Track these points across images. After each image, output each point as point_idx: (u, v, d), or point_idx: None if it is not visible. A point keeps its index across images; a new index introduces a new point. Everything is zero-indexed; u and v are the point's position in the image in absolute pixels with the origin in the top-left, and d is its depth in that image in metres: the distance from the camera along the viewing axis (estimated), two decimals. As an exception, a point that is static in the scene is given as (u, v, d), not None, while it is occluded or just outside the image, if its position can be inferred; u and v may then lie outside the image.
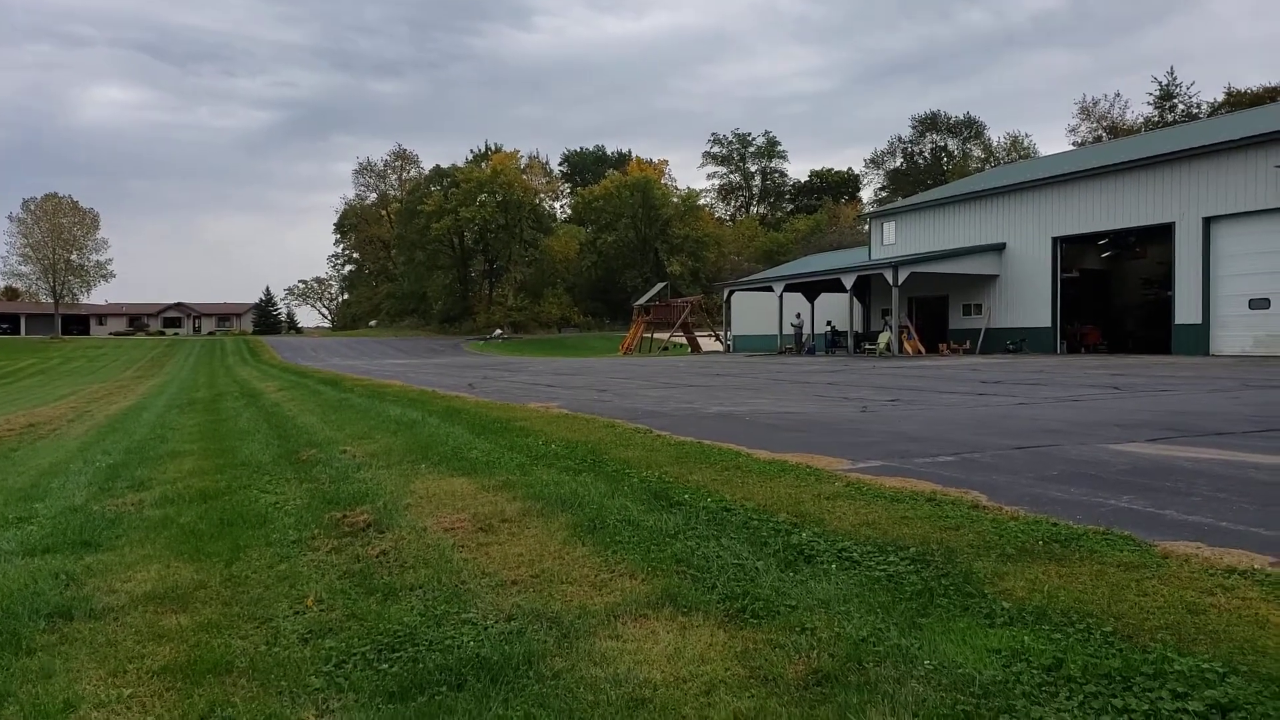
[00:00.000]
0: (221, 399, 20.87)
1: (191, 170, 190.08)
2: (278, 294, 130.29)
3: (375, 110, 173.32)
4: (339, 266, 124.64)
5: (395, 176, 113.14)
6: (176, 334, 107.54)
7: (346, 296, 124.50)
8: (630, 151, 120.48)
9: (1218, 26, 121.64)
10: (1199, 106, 72.24)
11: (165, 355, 64.48)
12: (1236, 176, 25.91)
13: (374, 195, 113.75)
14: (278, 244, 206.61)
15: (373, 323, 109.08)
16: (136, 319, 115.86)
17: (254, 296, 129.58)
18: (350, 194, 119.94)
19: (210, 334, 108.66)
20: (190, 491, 7.59)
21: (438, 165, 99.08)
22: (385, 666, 3.33)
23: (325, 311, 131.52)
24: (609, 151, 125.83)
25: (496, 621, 3.69)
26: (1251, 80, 75.49)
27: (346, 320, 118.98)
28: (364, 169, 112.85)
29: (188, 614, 4.18)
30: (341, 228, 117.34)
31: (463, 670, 3.22)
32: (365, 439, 9.95)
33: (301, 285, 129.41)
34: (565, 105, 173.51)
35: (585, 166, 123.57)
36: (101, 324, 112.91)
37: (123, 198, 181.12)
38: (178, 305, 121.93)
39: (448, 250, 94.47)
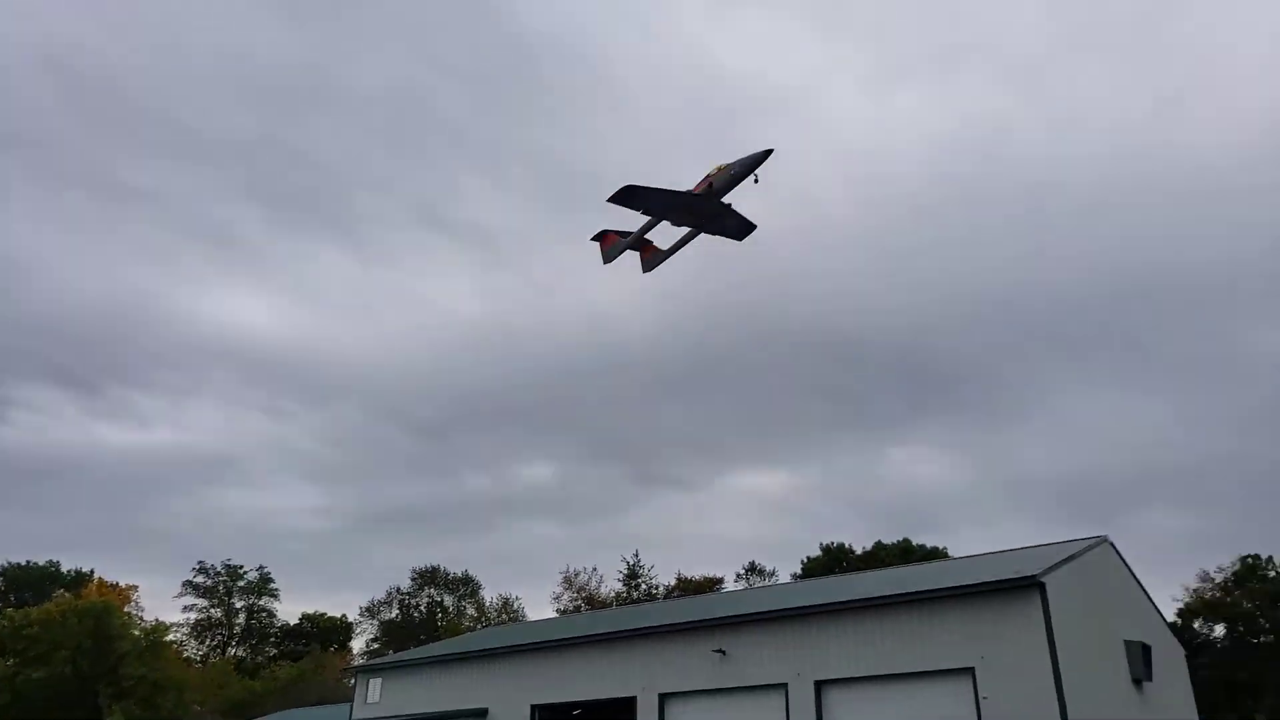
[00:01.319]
0: None
1: None
2: None
3: None
4: None
5: None
6: None
7: None
8: (93, 571, 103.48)
9: (669, 520, 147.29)
10: (658, 588, 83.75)
11: None
12: (686, 656, 28.92)
13: None
14: None
15: None
16: None
17: None
18: None
19: None
20: None
21: None
22: None
23: None
24: (65, 569, 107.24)
25: None
26: (696, 570, 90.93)
27: None
28: None
29: None
30: None
31: None
32: None
33: None
34: (23, 509, 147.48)
35: (29, 584, 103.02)
36: None
37: None
38: None
39: None
